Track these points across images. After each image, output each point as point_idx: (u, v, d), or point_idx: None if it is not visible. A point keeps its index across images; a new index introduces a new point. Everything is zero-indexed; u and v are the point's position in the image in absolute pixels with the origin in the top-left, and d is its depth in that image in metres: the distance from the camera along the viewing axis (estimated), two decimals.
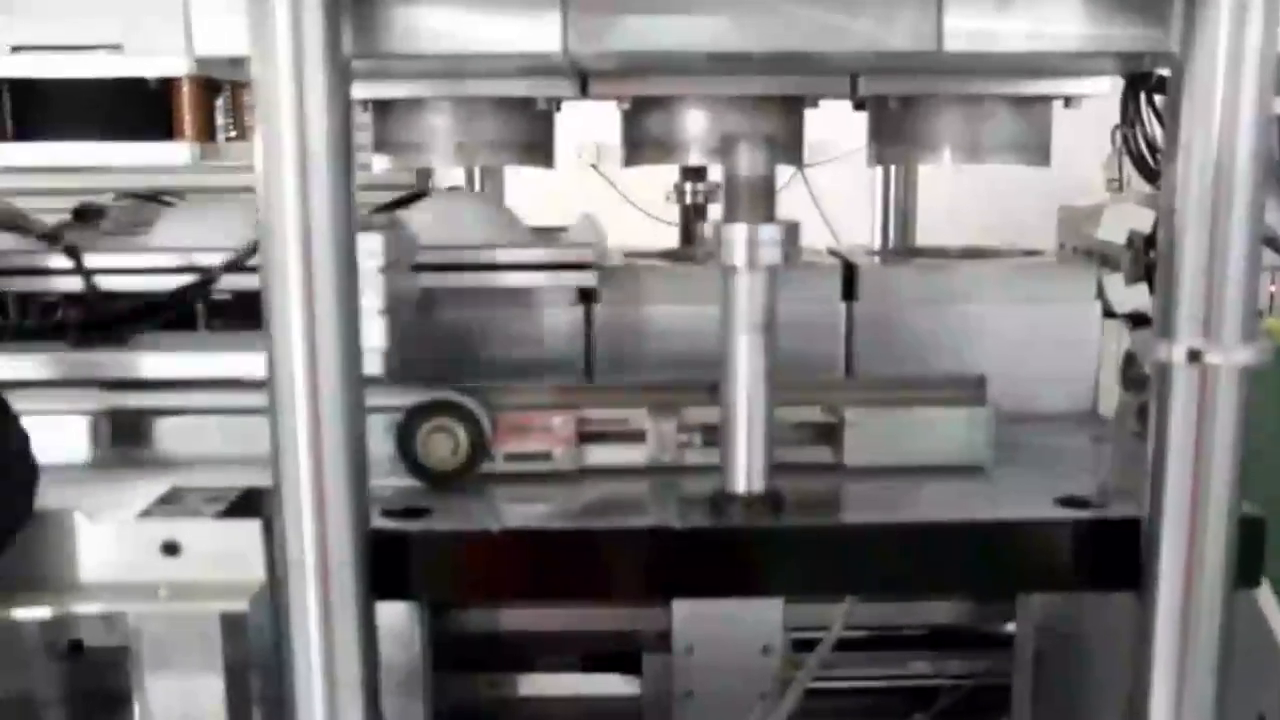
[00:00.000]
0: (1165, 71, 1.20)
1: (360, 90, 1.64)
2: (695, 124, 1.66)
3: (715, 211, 1.89)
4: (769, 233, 1.19)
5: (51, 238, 1.60)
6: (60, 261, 1.51)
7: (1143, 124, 1.68)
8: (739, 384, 1.22)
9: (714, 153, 1.66)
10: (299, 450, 1.09)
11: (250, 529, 1.18)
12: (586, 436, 1.39)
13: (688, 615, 1.70)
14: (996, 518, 1.27)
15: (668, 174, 2.20)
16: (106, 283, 1.50)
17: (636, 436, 1.39)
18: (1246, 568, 1.17)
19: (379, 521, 1.20)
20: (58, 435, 1.35)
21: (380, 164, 1.78)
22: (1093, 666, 1.61)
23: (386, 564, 1.17)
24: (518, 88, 1.66)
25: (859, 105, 1.73)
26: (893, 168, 1.96)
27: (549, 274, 1.57)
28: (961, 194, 2.78)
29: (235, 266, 1.45)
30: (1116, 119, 1.73)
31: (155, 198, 1.97)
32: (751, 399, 1.22)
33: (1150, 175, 1.70)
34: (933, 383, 1.44)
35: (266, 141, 1.05)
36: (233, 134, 1.90)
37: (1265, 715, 1.34)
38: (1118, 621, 1.29)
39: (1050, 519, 1.25)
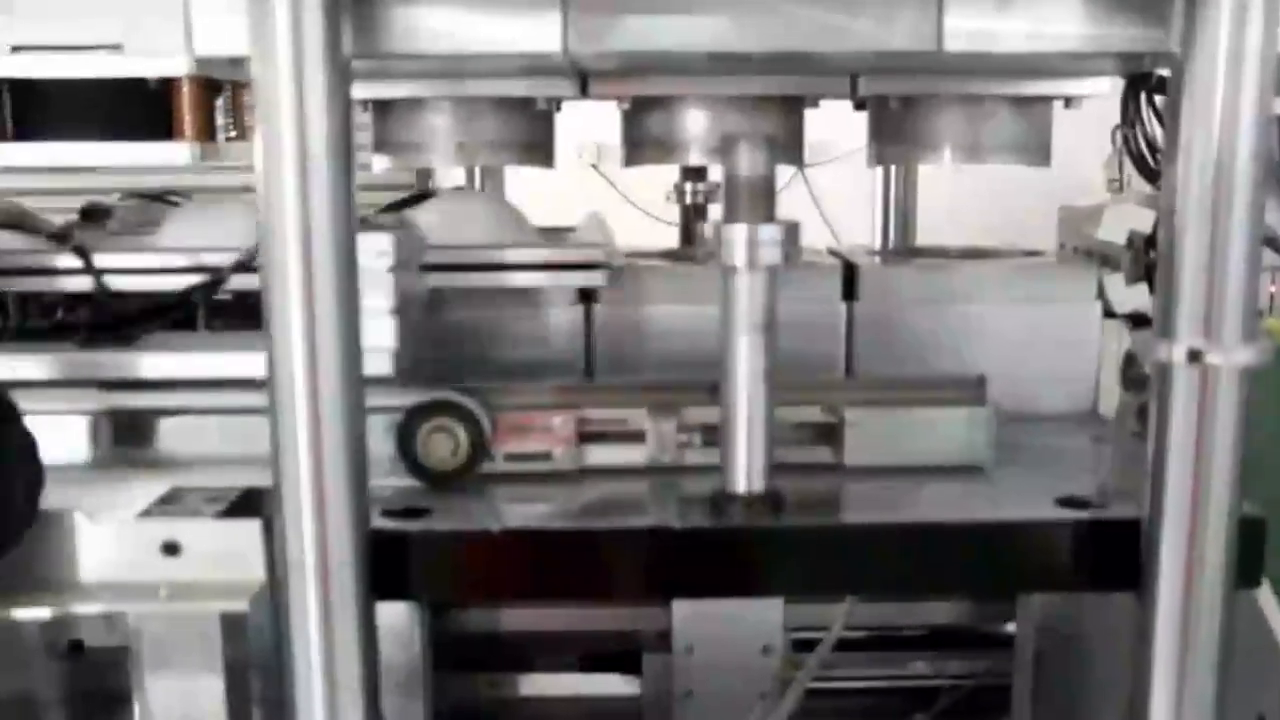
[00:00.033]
0: (1165, 72, 1.20)
1: (360, 90, 1.64)
2: (695, 124, 1.66)
3: (715, 211, 1.89)
4: (769, 233, 1.19)
5: (60, 237, 1.60)
6: (68, 261, 1.51)
7: (1143, 124, 1.68)
8: (739, 384, 1.22)
9: (714, 153, 1.66)
10: (299, 450, 1.09)
11: (250, 529, 1.18)
12: (586, 436, 1.39)
13: (688, 615, 1.70)
14: (997, 518, 1.27)
15: (668, 174, 2.20)
16: (115, 283, 1.50)
17: (636, 436, 1.39)
18: (1246, 568, 1.17)
19: (379, 521, 1.20)
20: (58, 435, 1.35)
21: (380, 164, 1.78)
22: (1093, 667, 1.61)
23: (386, 564, 1.17)
24: (518, 88, 1.66)
25: (859, 105, 1.73)
26: (893, 168, 1.95)
27: (560, 274, 1.57)
28: (962, 194, 2.77)
29: (245, 267, 1.45)
30: (1117, 119, 1.73)
31: (161, 197, 1.98)
32: (751, 399, 1.22)
33: (1150, 175, 1.70)
34: (933, 383, 1.44)
35: (266, 141, 1.05)
36: (233, 134, 1.90)
37: (1265, 715, 1.34)
38: (1118, 622, 1.29)
39: (1050, 519, 1.25)
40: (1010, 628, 1.81)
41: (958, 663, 1.93)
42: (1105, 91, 1.67)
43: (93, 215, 1.88)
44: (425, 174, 2.59)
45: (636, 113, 1.69)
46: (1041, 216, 1.98)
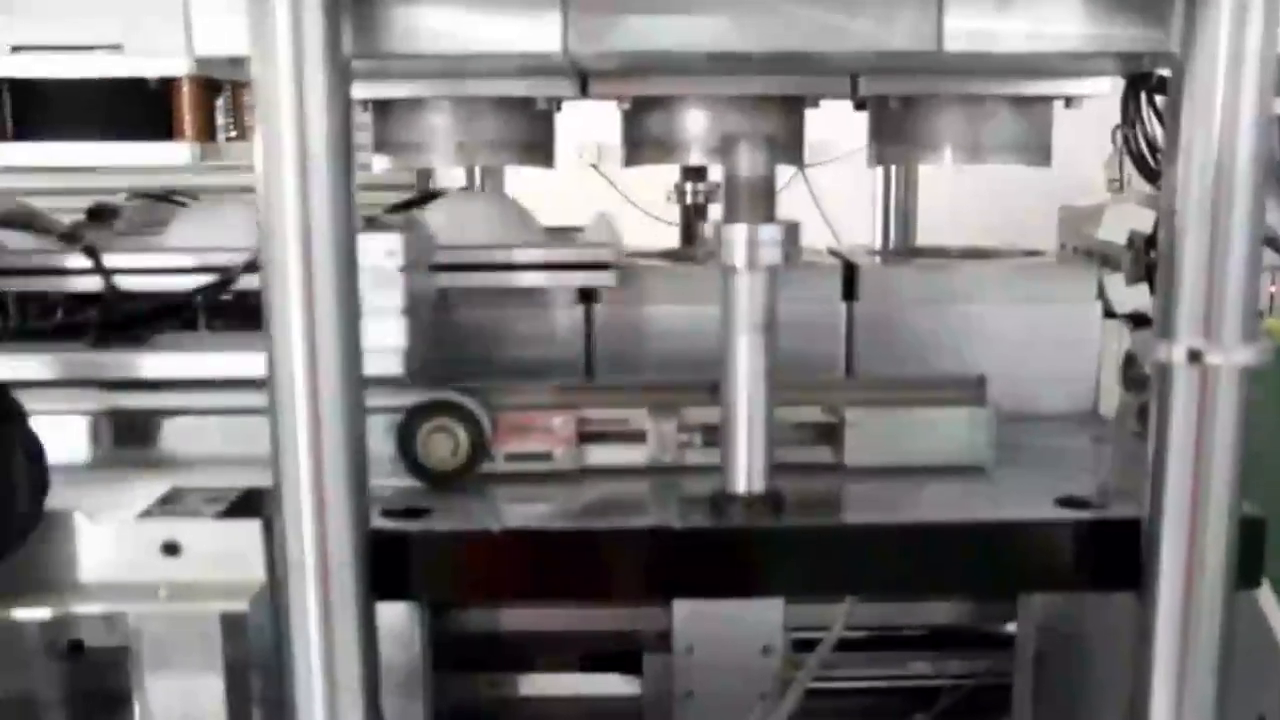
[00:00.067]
0: (1165, 71, 1.20)
1: (360, 90, 1.64)
2: (695, 124, 1.67)
3: (715, 211, 1.89)
4: (769, 233, 1.19)
5: (69, 237, 1.60)
6: (78, 261, 1.51)
7: (1143, 124, 1.68)
8: (739, 384, 1.22)
9: (714, 153, 1.66)
10: (299, 450, 1.09)
11: (250, 529, 1.19)
12: (587, 436, 1.39)
13: (688, 615, 1.70)
14: (997, 518, 1.27)
15: (668, 174, 2.20)
16: (124, 282, 1.50)
17: (637, 436, 1.39)
18: (1247, 568, 1.17)
19: (379, 521, 1.20)
20: (58, 435, 1.35)
21: (380, 164, 1.78)
22: (1093, 667, 1.61)
23: (386, 564, 1.17)
24: (518, 88, 1.66)
25: (859, 105, 1.73)
26: (893, 168, 1.95)
27: (568, 275, 1.57)
28: (962, 194, 2.77)
29: (255, 266, 1.45)
30: (1117, 119, 1.73)
31: (168, 197, 1.98)
32: (752, 399, 1.22)
33: (1151, 175, 1.70)
34: (933, 383, 1.44)
35: (266, 141, 1.05)
36: (233, 134, 1.90)
37: (1265, 715, 1.34)
38: (1118, 622, 1.29)
39: (1051, 519, 1.25)
40: (1011, 628, 1.81)
41: (958, 663, 1.93)
42: (1105, 91, 1.67)
43: (100, 215, 1.88)
44: (425, 174, 2.60)
45: (637, 113, 1.69)
46: (1042, 216, 1.98)
